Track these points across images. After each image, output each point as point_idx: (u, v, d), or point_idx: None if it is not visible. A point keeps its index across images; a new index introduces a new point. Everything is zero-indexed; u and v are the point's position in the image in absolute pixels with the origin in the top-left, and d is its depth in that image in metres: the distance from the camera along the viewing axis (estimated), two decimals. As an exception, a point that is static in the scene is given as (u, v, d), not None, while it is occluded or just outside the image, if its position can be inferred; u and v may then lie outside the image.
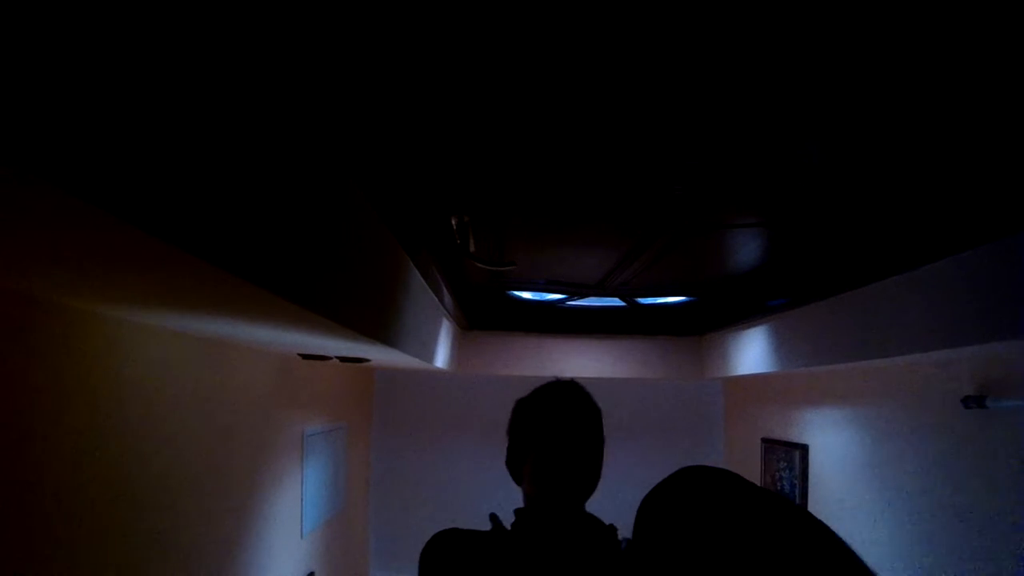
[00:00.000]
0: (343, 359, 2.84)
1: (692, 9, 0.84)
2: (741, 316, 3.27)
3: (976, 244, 1.65)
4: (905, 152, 1.28)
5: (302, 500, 3.00)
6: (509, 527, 1.25)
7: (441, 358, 3.18)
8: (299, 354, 2.63)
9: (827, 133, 1.22)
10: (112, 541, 1.46)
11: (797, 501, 3.33)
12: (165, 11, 0.62)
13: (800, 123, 1.17)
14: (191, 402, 1.85)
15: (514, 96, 1.10)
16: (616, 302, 3.33)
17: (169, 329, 1.68)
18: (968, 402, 2.11)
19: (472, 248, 1.91)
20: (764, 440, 3.90)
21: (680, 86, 1.05)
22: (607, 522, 1.25)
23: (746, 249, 2.14)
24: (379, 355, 2.53)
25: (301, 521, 2.99)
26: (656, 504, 0.95)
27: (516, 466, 1.30)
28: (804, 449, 3.39)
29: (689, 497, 0.93)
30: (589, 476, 1.26)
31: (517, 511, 1.26)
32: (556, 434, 1.24)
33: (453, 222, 1.75)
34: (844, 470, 3.00)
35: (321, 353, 2.56)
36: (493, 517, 1.28)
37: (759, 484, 3.78)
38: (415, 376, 4.79)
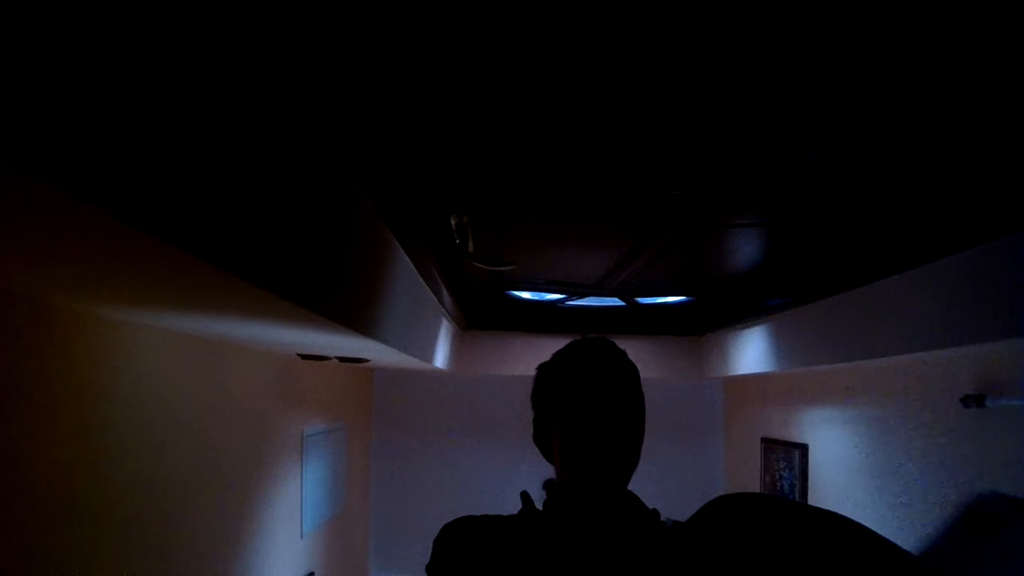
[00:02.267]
0: (342, 359, 2.84)
1: (692, 11, 0.84)
2: (741, 316, 3.27)
3: (975, 243, 1.65)
4: (905, 151, 1.28)
5: (302, 500, 3.00)
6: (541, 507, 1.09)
7: (440, 358, 3.18)
8: (298, 355, 2.63)
9: (827, 132, 1.22)
10: (110, 541, 1.46)
11: (796, 501, 3.33)
12: (167, 9, 0.62)
13: (800, 123, 1.17)
14: (190, 402, 1.85)
15: (514, 96, 1.10)
16: (616, 302, 3.33)
17: (168, 330, 1.68)
18: (967, 401, 2.10)
19: (471, 248, 1.91)
20: (764, 440, 3.90)
21: (680, 86, 1.05)
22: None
23: (746, 249, 2.14)
24: (378, 355, 2.53)
25: (301, 521, 2.99)
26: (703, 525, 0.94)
27: (544, 441, 1.11)
28: (804, 448, 3.38)
29: (736, 517, 0.93)
30: (629, 448, 1.06)
31: (549, 485, 1.08)
32: (586, 401, 1.05)
33: (452, 222, 1.75)
34: (844, 469, 3.00)
35: (320, 353, 2.56)
36: (524, 496, 1.10)
37: (759, 484, 3.80)
38: (415, 376, 4.79)
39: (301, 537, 3.00)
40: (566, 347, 1.13)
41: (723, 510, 1.01)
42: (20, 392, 1.17)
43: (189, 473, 1.84)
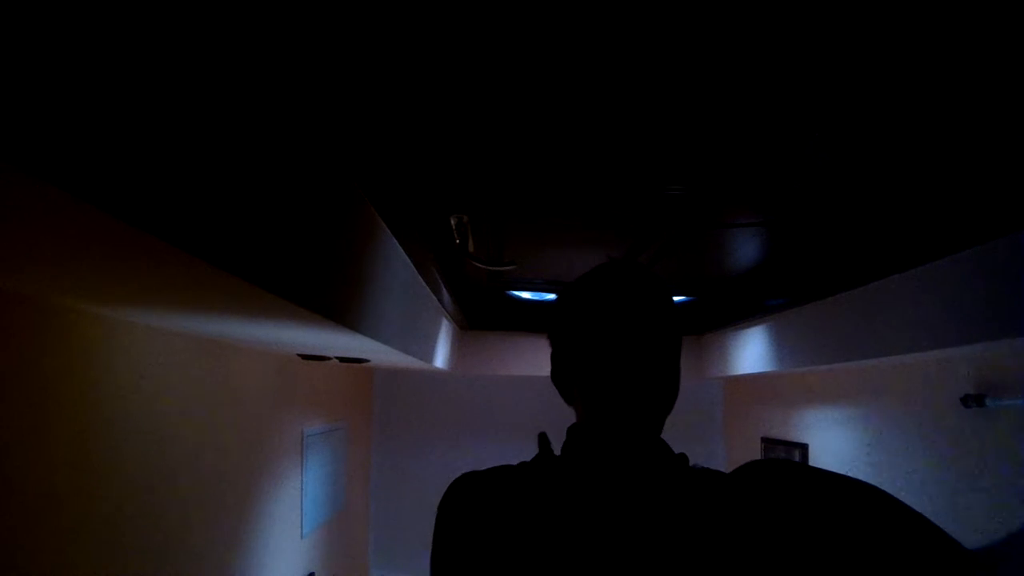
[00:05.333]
0: (342, 359, 2.84)
1: (690, 11, 0.84)
2: (741, 316, 3.27)
3: (975, 242, 1.65)
4: (905, 149, 1.28)
5: (302, 500, 3.00)
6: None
7: (440, 358, 3.18)
8: (298, 355, 2.63)
9: (827, 132, 1.22)
10: (111, 542, 1.46)
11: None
12: (168, 10, 0.62)
13: (800, 122, 1.17)
14: (190, 402, 1.85)
15: (514, 97, 1.10)
16: (616, 302, 3.32)
17: (168, 330, 1.68)
18: (967, 401, 2.11)
19: (471, 248, 1.91)
20: (764, 439, 3.90)
21: (679, 87, 1.05)
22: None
23: (745, 248, 2.14)
24: (378, 355, 2.53)
25: (301, 521, 2.99)
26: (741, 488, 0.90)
27: (564, 381, 0.95)
28: (804, 448, 3.39)
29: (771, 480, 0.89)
30: (662, 389, 0.91)
31: (570, 428, 0.94)
32: (614, 333, 0.89)
33: (452, 222, 1.75)
34: (844, 469, 2.99)
35: (320, 353, 2.56)
36: (542, 438, 0.96)
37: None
38: (415, 376, 4.79)
39: (301, 537, 3.00)
40: (592, 271, 0.98)
41: (758, 470, 0.95)
42: (18, 391, 1.17)
43: (189, 473, 1.84)
